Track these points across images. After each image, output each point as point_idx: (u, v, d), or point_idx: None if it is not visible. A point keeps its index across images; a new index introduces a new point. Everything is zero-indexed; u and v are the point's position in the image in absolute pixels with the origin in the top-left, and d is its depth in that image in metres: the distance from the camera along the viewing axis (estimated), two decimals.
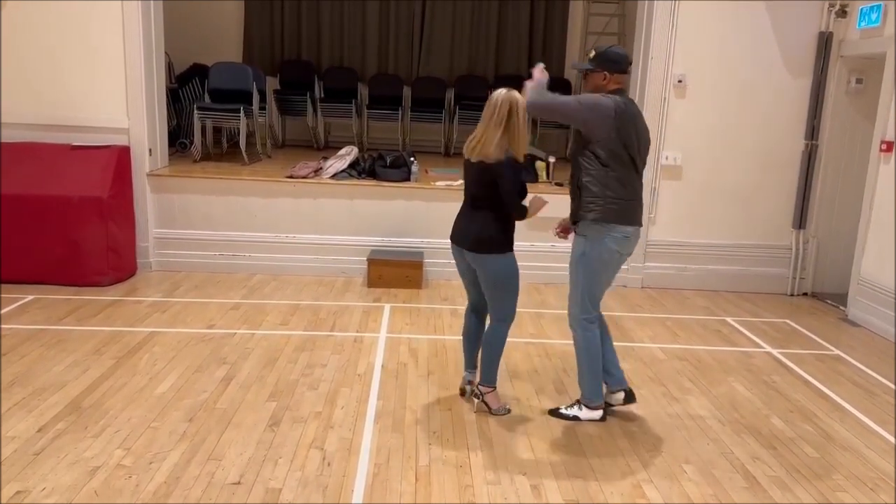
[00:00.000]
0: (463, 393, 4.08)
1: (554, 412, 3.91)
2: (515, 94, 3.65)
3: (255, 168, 7.21)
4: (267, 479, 3.17)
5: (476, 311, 4.01)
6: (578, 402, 3.90)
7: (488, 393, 3.90)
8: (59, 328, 4.92)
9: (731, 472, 3.44)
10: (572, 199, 3.77)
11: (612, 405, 3.97)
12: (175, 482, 3.11)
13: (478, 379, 3.94)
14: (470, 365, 4.05)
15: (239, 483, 3.13)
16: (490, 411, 3.89)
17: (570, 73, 9.70)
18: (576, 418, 3.86)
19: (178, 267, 6.48)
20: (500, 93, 3.64)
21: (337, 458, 3.38)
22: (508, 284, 3.78)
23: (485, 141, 3.60)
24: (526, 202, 3.75)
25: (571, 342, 5.09)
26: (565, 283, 6.50)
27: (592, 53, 3.70)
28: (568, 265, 3.84)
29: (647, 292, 6.60)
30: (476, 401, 3.92)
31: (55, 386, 4.01)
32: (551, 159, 7.01)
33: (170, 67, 8.37)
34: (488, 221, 3.69)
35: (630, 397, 3.95)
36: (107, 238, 5.88)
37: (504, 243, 3.73)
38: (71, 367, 4.28)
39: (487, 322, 3.93)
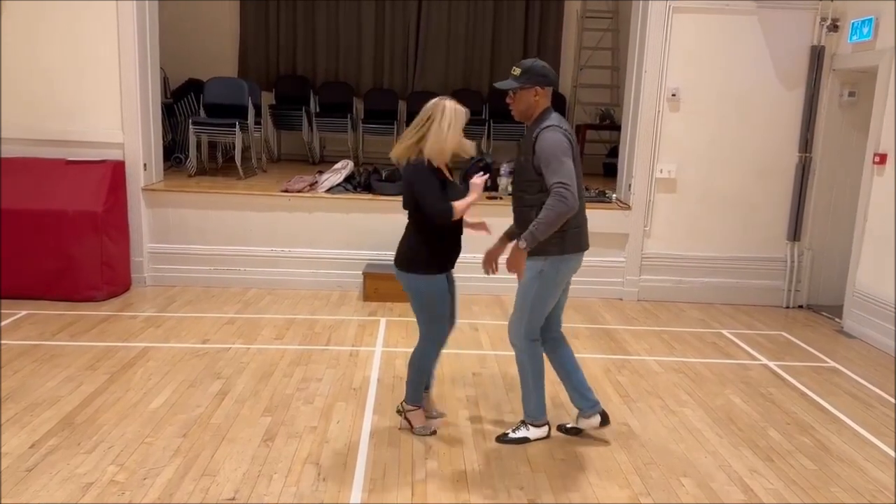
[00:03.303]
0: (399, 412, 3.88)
1: (502, 439, 3.75)
2: (445, 100, 3.51)
3: (251, 182, 7.21)
4: (262, 495, 3.14)
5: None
6: (523, 422, 3.78)
7: (410, 411, 3.79)
8: (52, 343, 4.89)
9: (728, 484, 3.42)
10: (522, 231, 3.46)
11: (583, 428, 3.84)
12: (169, 498, 3.08)
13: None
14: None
15: (233, 499, 3.10)
16: (412, 430, 3.78)
17: (564, 88, 9.76)
18: (525, 440, 3.73)
19: (172, 281, 6.46)
20: (433, 100, 3.54)
21: (332, 473, 3.36)
22: (420, 303, 3.60)
23: (398, 141, 3.55)
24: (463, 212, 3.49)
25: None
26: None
27: (518, 71, 3.48)
28: (519, 283, 3.60)
29: (642, 305, 6.60)
30: (400, 417, 3.84)
31: (48, 401, 3.98)
32: None
33: (165, 82, 8.39)
34: (409, 236, 3.59)
35: (605, 419, 3.80)
36: (101, 253, 5.86)
37: (417, 263, 3.52)
38: (64, 382, 4.25)
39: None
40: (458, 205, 3.44)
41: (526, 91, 3.49)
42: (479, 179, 3.55)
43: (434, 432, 3.79)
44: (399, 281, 3.63)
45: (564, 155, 3.34)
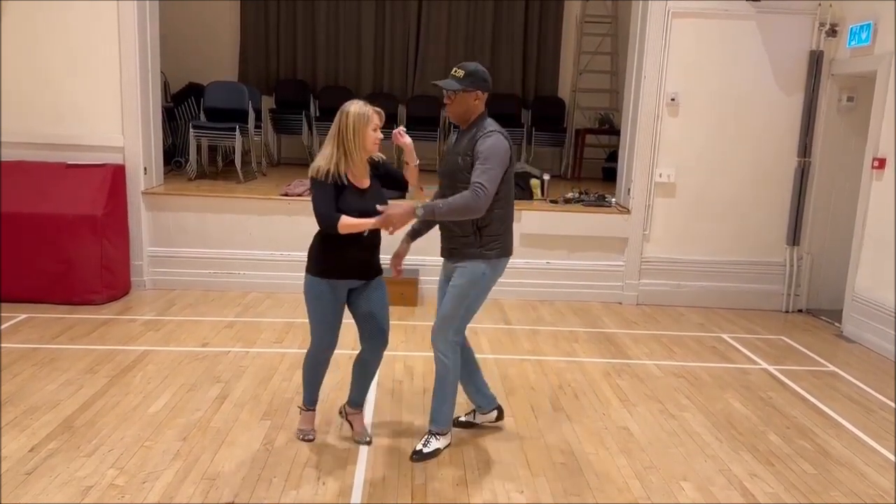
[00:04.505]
0: (341, 413, 3.86)
1: (418, 457, 3.57)
2: (346, 104, 3.34)
3: (251, 186, 7.21)
4: (261, 498, 3.14)
5: (363, 339, 3.70)
6: (431, 433, 3.64)
7: (301, 410, 3.76)
8: (51, 347, 4.89)
9: (728, 488, 3.42)
10: (462, 236, 3.45)
11: (481, 424, 3.94)
12: (168, 501, 3.08)
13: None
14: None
15: (233, 503, 3.10)
16: (298, 431, 3.74)
17: (564, 92, 9.78)
18: (437, 451, 3.62)
19: (172, 285, 6.46)
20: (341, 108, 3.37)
21: (332, 476, 3.36)
22: (308, 306, 3.51)
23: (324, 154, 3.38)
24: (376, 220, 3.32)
25: (568, 358, 5.13)
26: (559, 299, 6.52)
27: (462, 73, 3.41)
28: (452, 286, 3.50)
29: (642, 309, 6.60)
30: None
31: (48, 405, 3.97)
32: (546, 177, 7.04)
33: (165, 86, 8.40)
34: (314, 238, 3.50)
35: (500, 413, 3.95)
36: (101, 256, 5.86)
37: (315, 263, 3.44)
38: (64, 385, 4.25)
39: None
40: (346, 220, 3.28)
41: (468, 94, 3.43)
42: (383, 209, 3.32)
43: (310, 440, 3.69)
44: None
45: (500, 165, 3.33)
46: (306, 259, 3.49)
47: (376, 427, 3.89)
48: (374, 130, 3.37)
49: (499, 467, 3.52)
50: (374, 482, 3.32)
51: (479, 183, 3.25)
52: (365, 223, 3.31)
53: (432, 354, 4.53)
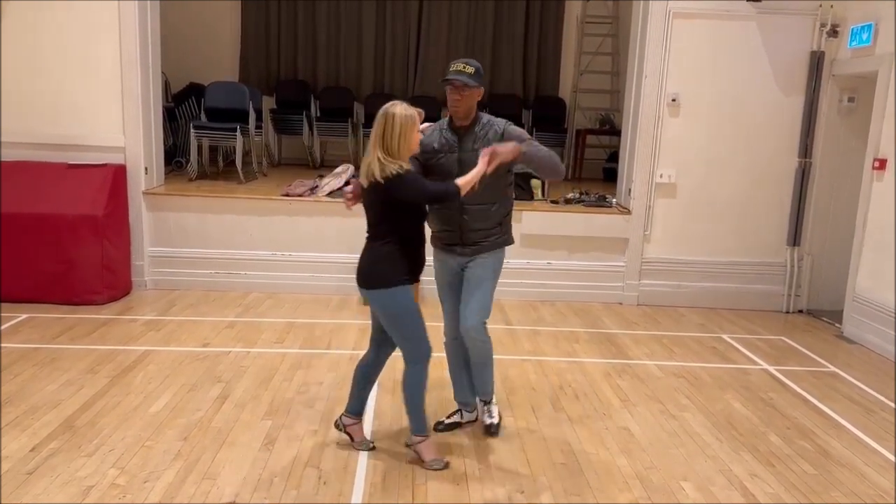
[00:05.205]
0: (337, 427, 3.68)
1: (494, 432, 3.81)
2: (390, 106, 3.24)
3: (251, 186, 7.21)
4: (262, 499, 3.14)
5: (377, 345, 3.63)
6: (489, 403, 3.91)
7: (420, 443, 3.49)
8: (52, 347, 4.89)
9: (728, 488, 3.42)
10: (489, 228, 3.56)
11: (464, 424, 3.94)
12: (169, 501, 3.08)
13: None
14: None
15: (234, 503, 3.10)
16: (423, 464, 3.46)
17: (565, 93, 9.78)
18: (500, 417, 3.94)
19: (173, 285, 6.46)
20: (381, 110, 3.27)
21: (333, 477, 3.36)
22: (406, 319, 3.38)
23: (370, 160, 3.24)
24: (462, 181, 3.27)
25: (569, 359, 5.13)
26: (560, 299, 6.51)
27: (472, 69, 3.43)
28: (480, 276, 3.60)
29: (642, 309, 6.60)
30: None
31: (49, 405, 3.98)
32: None
33: (166, 86, 8.41)
34: (376, 250, 3.36)
35: (478, 416, 4.03)
36: (102, 256, 5.86)
37: (398, 272, 3.33)
38: (65, 385, 4.25)
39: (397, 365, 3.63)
40: (461, 181, 3.25)
41: (477, 90, 3.50)
42: (488, 149, 3.30)
43: (447, 465, 3.48)
44: (370, 302, 3.43)
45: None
46: (370, 277, 3.34)
47: (377, 427, 3.89)
48: (418, 132, 3.35)
49: (499, 467, 3.52)
50: (374, 482, 3.32)
51: (548, 150, 3.52)
52: (477, 171, 3.27)
53: (432, 355, 4.49)
